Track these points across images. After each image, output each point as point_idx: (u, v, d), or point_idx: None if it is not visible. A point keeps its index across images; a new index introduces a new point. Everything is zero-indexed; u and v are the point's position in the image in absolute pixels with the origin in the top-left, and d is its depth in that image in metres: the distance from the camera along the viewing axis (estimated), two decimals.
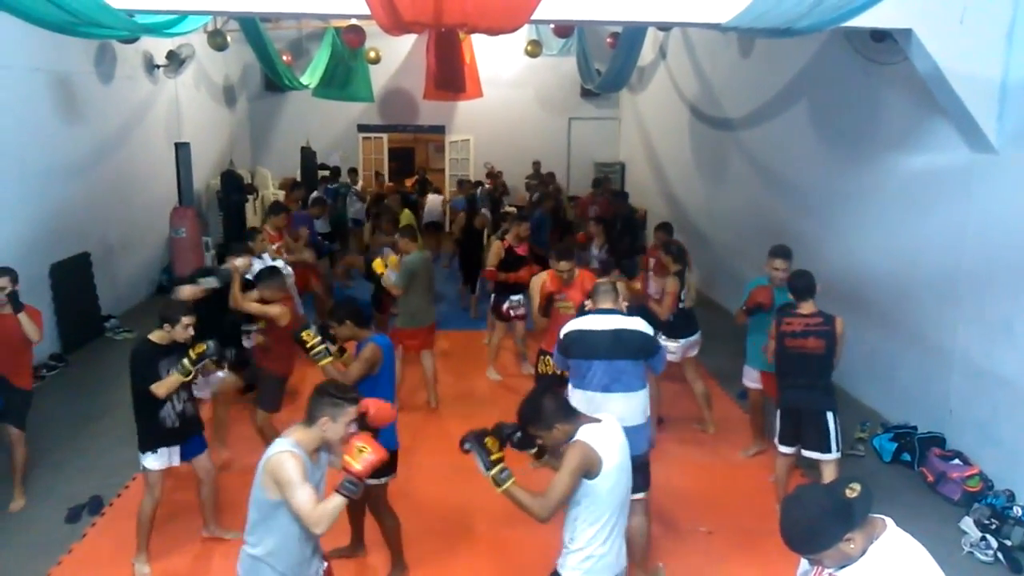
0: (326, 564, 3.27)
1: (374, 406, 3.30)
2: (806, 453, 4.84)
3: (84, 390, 7.34)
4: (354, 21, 12.24)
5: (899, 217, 6.52)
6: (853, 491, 2.18)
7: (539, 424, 3.04)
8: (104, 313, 9.19)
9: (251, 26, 11.11)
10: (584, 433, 3.00)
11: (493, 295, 7.85)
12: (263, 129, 16.38)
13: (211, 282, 5.58)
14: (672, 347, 6.06)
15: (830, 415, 4.74)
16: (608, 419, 3.20)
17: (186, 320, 4.35)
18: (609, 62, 12.51)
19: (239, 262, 5.88)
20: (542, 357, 5.78)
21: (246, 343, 6.10)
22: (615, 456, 3.01)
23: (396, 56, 15.84)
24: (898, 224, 6.53)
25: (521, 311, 7.57)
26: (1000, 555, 4.69)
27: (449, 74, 14.42)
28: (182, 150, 12.08)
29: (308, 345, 4.23)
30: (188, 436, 4.56)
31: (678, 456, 5.98)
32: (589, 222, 9.90)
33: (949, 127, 5.73)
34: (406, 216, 10.28)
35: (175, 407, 4.42)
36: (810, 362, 4.73)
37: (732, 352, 6.73)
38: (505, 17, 5.16)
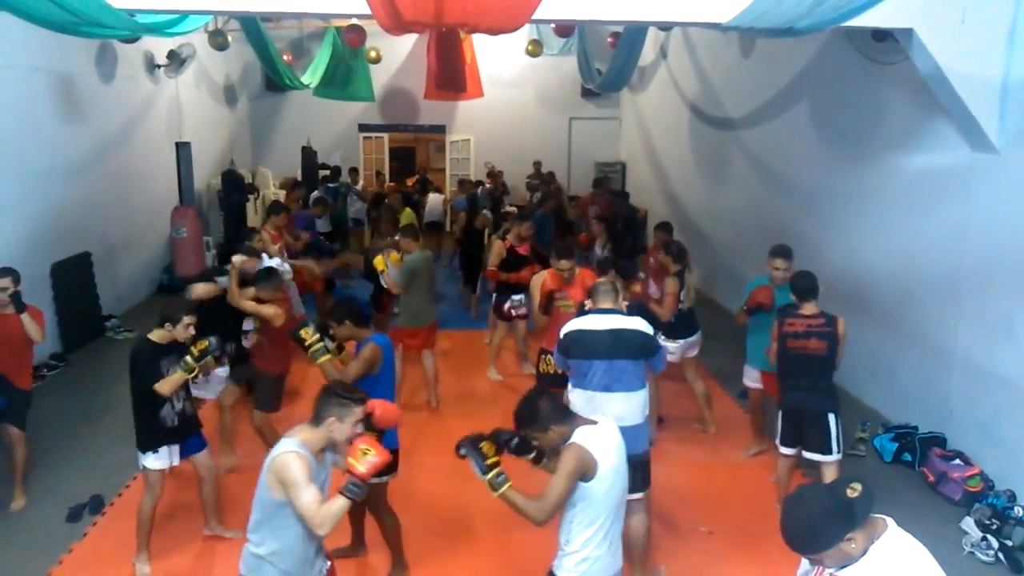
0: (329, 563, 3.27)
1: (380, 407, 3.30)
2: (807, 454, 4.83)
3: (85, 390, 7.34)
4: (355, 21, 12.23)
5: (900, 217, 6.51)
6: (854, 491, 2.18)
7: (535, 426, 3.04)
8: (105, 313, 9.19)
9: (252, 26, 11.11)
10: (580, 435, 2.99)
11: (495, 295, 7.85)
12: (264, 129, 16.39)
13: (226, 282, 5.64)
14: (671, 347, 6.06)
15: (832, 416, 4.73)
16: (604, 421, 3.20)
17: (187, 319, 4.36)
18: (610, 62, 12.51)
19: (237, 259, 5.91)
20: (543, 356, 5.78)
21: (245, 343, 6.11)
22: (611, 458, 3.01)
23: (397, 56, 15.84)
24: (899, 224, 6.52)
25: (523, 311, 7.57)
26: (1001, 555, 4.69)
27: (450, 74, 14.41)
28: (183, 150, 12.08)
29: (306, 343, 4.23)
30: (187, 434, 4.57)
31: (678, 456, 5.98)
32: (591, 221, 9.89)
33: (950, 127, 5.73)
34: (407, 215, 10.29)
35: (175, 406, 4.43)
36: (812, 363, 4.72)
37: (732, 352, 6.73)
38: (506, 17, 5.16)
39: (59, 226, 8.31)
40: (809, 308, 4.78)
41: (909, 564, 2.19)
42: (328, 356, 4.24)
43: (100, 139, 9.48)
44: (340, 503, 2.83)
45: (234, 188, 12.42)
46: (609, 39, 12.98)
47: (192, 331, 4.37)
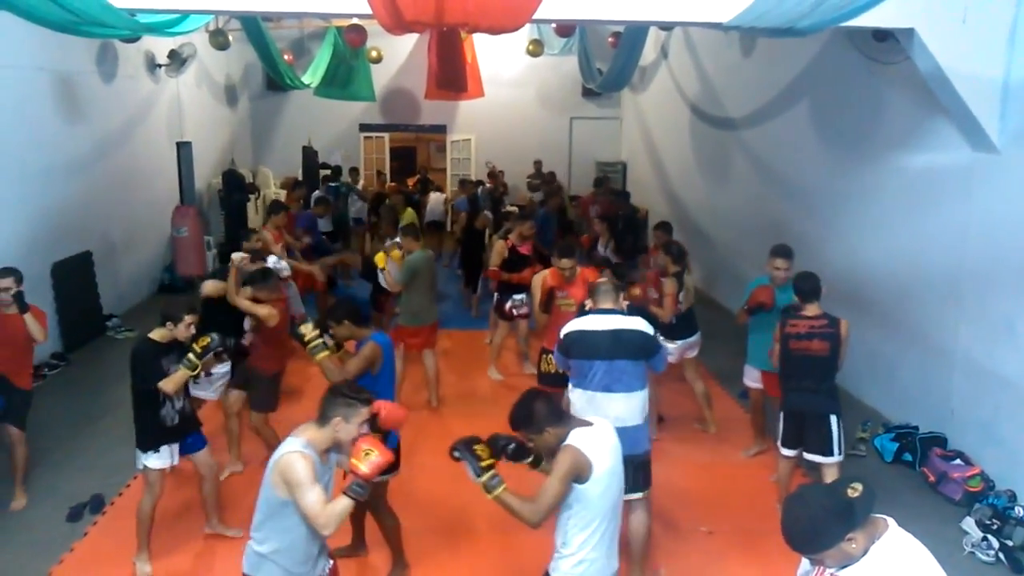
0: (331, 562, 3.28)
1: (386, 408, 3.30)
2: (808, 456, 4.82)
3: (86, 389, 7.35)
4: (356, 20, 12.23)
5: (901, 217, 6.51)
6: (855, 491, 2.18)
7: (530, 428, 3.04)
8: (106, 312, 9.20)
9: (253, 25, 11.12)
10: (575, 437, 2.99)
11: (496, 294, 7.85)
12: (265, 128, 16.39)
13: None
14: (670, 348, 6.05)
15: (834, 418, 4.72)
16: (600, 422, 3.19)
17: (189, 318, 4.37)
18: (611, 61, 12.50)
19: (237, 258, 5.92)
20: (544, 355, 5.78)
21: (244, 341, 6.12)
22: (607, 460, 3.00)
23: (398, 55, 15.84)
24: (900, 224, 6.52)
25: (524, 310, 7.57)
26: (1001, 555, 4.68)
27: (451, 73, 14.42)
28: (184, 149, 12.10)
29: (305, 339, 4.24)
30: (187, 433, 4.57)
31: (679, 456, 5.97)
32: (594, 221, 9.89)
33: (951, 127, 5.73)
34: (409, 215, 10.29)
35: (175, 404, 4.43)
36: (814, 365, 4.71)
37: (733, 352, 6.72)
38: (507, 16, 5.15)
39: (60, 225, 8.31)
40: (812, 309, 4.78)
41: (910, 564, 2.19)
42: (327, 352, 4.24)
43: (101, 139, 9.49)
44: (344, 503, 2.83)
45: (235, 188, 12.42)
46: (610, 39, 12.98)
47: (193, 330, 4.39)
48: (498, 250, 7.69)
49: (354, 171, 15.05)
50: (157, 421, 4.37)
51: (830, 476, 4.69)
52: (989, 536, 4.79)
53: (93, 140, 9.27)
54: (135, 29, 6.13)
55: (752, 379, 5.88)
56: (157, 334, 4.38)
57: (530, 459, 3.15)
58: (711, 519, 5.10)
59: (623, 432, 3.93)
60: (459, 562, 4.67)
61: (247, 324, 5.69)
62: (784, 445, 4.93)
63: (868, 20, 5.07)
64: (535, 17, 5.12)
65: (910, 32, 5.17)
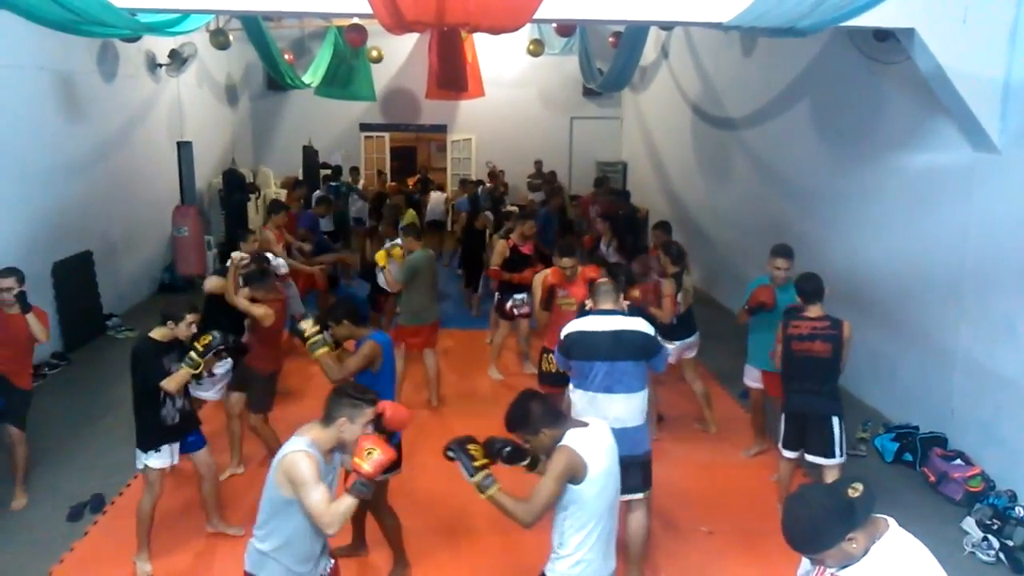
0: (333, 562, 3.28)
1: (391, 408, 3.31)
2: (810, 458, 4.81)
3: (86, 388, 7.35)
4: (356, 20, 12.23)
5: (901, 217, 6.51)
6: (855, 491, 2.18)
7: (526, 429, 3.03)
8: (106, 311, 9.20)
9: (253, 25, 11.12)
10: (570, 438, 2.98)
11: (497, 294, 7.85)
12: (265, 128, 16.40)
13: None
14: (668, 349, 6.04)
15: (836, 420, 4.71)
16: (596, 423, 3.19)
17: (190, 317, 4.38)
18: (611, 61, 12.50)
19: (237, 256, 5.93)
20: (545, 355, 5.78)
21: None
22: (602, 461, 2.99)
23: (398, 55, 15.85)
24: (900, 223, 6.52)
25: (525, 309, 7.57)
26: (1002, 555, 4.68)
27: (451, 73, 14.42)
28: (184, 149, 12.10)
29: (306, 335, 4.24)
30: (187, 432, 4.57)
31: (679, 456, 5.97)
32: (596, 220, 9.88)
33: (952, 126, 5.72)
34: (410, 216, 10.30)
35: (176, 403, 4.44)
36: (816, 366, 4.70)
37: (733, 352, 6.72)
38: (507, 16, 5.16)
39: (60, 225, 8.31)
40: (814, 310, 4.77)
41: (910, 564, 2.19)
42: (326, 349, 4.25)
43: (101, 138, 9.49)
44: (348, 502, 2.84)
45: (235, 187, 12.43)
46: (610, 39, 12.98)
47: (194, 329, 4.40)
48: (499, 249, 7.69)
49: (354, 170, 15.06)
50: (158, 420, 4.37)
51: (831, 477, 4.68)
52: (989, 536, 4.78)
53: (93, 140, 9.27)
54: (136, 28, 6.13)
55: (752, 379, 5.88)
56: (158, 333, 4.38)
57: (526, 462, 3.15)
58: (711, 519, 5.10)
59: (624, 433, 3.94)
60: (459, 562, 4.67)
61: (248, 323, 5.69)
62: (785, 447, 4.93)
63: (869, 20, 5.07)
64: (536, 17, 5.12)
65: (911, 32, 5.17)
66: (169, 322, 4.36)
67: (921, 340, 6.25)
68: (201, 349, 4.29)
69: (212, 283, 5.85)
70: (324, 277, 8.49)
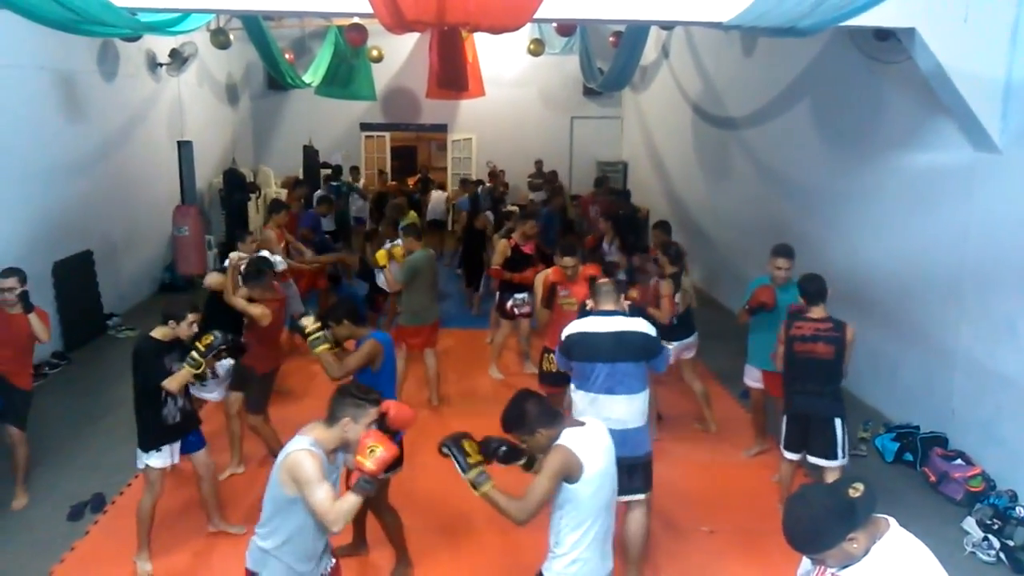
0: (334, 561, 3.28)
1: (395, 408, 3.31)
2: (812, 459, 4.80)
3: (87, 388, 7.35)
4: (357, 20, 12.24)
5: (902, 216, 6.51)
6: (856, 491, 2.18)
7: (522, 429, 3.03)
8: (107, 311, 9.20)
9: (254, 24, 11.12)
10: (566, 437, 2.98)
11: (498, 293, 7.85)
12: (266, 127, 16.40)
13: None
14: (669, 349, 6.03)
15: (838, 422, 4.70)
16: (593, 422, 3.19)
17: (191, 317, 4.38)
18: (612, 61, 12.50)
19: (235, 256, 5.93)
20: (546, 354, 5.78)
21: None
22: (598, 461, 2.99)
23: (398, 55, 15.85)
24: (901, 223, 6.52)
25: (526, 309, 7.57)
26: (1002, 555, 4.68)
27: (452, 73, 14.42)
28: (185, 148, 12.10)
29: (306, 331, 4.24)
30: (188, 431, 4.58)
31: (680, 456, 5.97)
32: (599, 220, 9.88)
33: (952, 126, 5.72)
34: (411, 216, 10.29)
35: (177, 403, 4.44)
36: (819, 368, 4.69)
37: (734, 352, 6.72)
38: (508, 16, 5.15)
39: (61, 224, 8.31)
40: (817, 312, 4.76)
41: (911, 564, 2.19)
42: (326, 346, 4.25)
43: (102, 138, 9.49)
44: (353, 500, 2.84)
45: (236, 187, 12.43)
46: (611, 38, 12.97)
47: (196, 328, 4.40)
48: (501, 249, 7.69)
49: (354, 170, 15.07)
50: (159, 420, 4.37)
51: (832, 478, 4.67)
52: (990, 536, 4.78)
53: (94, 139, 9.27)
54: (136, 28, 6.14)
55: (753, 379, 5.88)
56: (159, 332, 4.39)
57: (523, 461, 3.15)
58: (712, 519, 5.10)
59: (625, 434, 3.94)
60: (459, 562, 4.67)
61: (246, 322, 5.70)
62: (788, 449, 4.91)
63: (869, 19, 5.07)
64: (536, 16, 5.12)
65: (911, 31, 5.17)
66: (171, 321, 4.36)
67: (922, 340, 6.25)
68: (203, 349, 4.29)
69: (213, 279, 5.88)
70: (324, 276, 8.49)
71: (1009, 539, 4.73)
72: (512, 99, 16.27)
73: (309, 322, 4.26)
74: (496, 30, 5.49)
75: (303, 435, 2.97)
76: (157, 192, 11.14)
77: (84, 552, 4.72)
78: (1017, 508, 4.95)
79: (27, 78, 7.87)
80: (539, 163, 15.38)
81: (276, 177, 15.08)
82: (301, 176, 14.10)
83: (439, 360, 7.14)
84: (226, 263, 6.00)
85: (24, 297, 5.07)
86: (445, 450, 3.02)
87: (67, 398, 7.07)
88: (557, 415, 3.11)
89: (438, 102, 15.65)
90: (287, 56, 13.88)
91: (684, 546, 4.83)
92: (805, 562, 2.41)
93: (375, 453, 2.83)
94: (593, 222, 11.07)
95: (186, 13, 6.69)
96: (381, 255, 6.84)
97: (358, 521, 4.57)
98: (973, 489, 5.28)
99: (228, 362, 5.48)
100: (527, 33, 13.94)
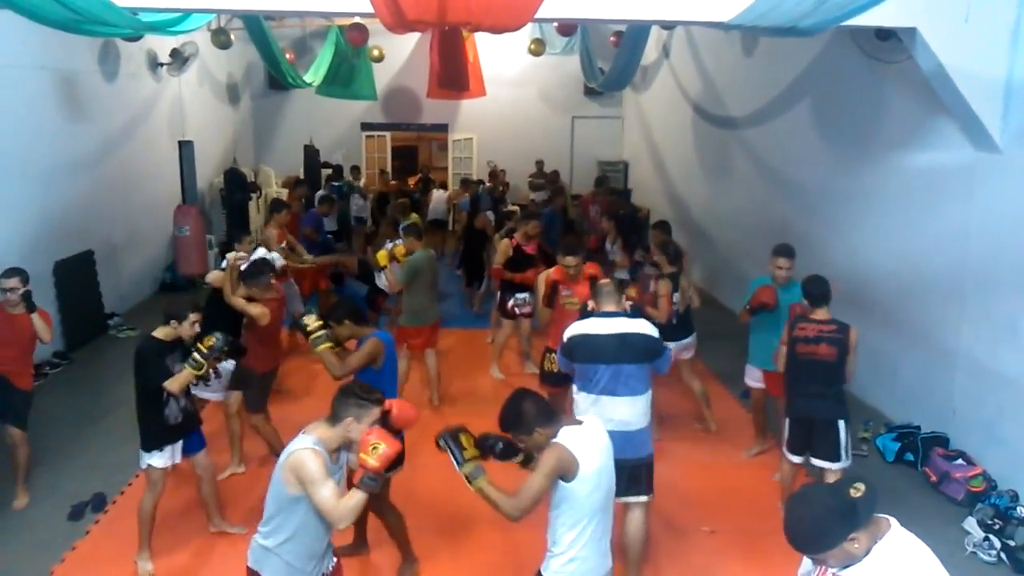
0: (336, 560, 3.29)
1: (398, 406, 3.31)
2: (815, 462, 4.78)
3: (87, 388, 7.36)
4: (358, 19, 12.24)
5: (903, 216, 6.50)
6: (857, 491, 2.18)
7: (520, 429, 3.03)
8: (108, 311, 9.20)
9: (255, 24, 11.12)
10: (563, 436, 2.98)
11: (499, 293, 7.85)
12: (266, 127, 16.41)
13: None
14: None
15: (842, 423, 4.68)
16: (591, 421, 3.18)
17: (193, 317, 4.38)
18: (612, 60, 12.50)
19: (233, 256, 5.94)
20: (548, 354, 5.77)
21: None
22: (595, 459, 2.98)
23: (399, 54, 15.85)
24: (902, 223, 6.51)
25: (527, 309, 7.57)
26: (1003, 555, 4.68)
27: (452, 72, 14.42)
28: (186, 148, 12.10)
29: (308, 329, 4.24)
30: (189, 431, 4.58)
31: (680, 455, 5.97)
32: (601, 220, 9.87)
33: (953, 126, 5.72)
34: (413, 217, 10.28)
35: (179, 403, 4.44)
36: (821, 369, 4.67)
37: (734, 352, 6.72)
38: (509, 15, 5.15)
39: (62, 224, 8.32)
40: (821, 313, 4.75)
41: (912, 564, 2.19)
42: (328, 344, 4.25)
43: (103, 138, 9.49)
44: (358, 497, 2.85)
45: (237, 187, 12.44)
46: (612, 38, 12.97)
47: (197, 328, 4.40)
48: (502, 249, 7.69)
49: (355, 169, 15.06)
50: (161, 420, 4.37)
51: (833, 479, 4.66)
52: (991, 536, 4.78)
53: (95, 139, 9.28)
54: (137, 28, 6.14)
55: (754, 379, 5.87)
56: (161, 332, 4.39)
57: (520, 457, 3.14)
58: (712, 519, 5.10)
59: (628, 436, 3.94)
60: (460, 561, 4.68)
61: (245, 321, 5.70)
62: (791, 451, 4.89)
63: (870, 19, 5.06)
64: (537, 16, 5.12)
65: (912, 31, 5.17)
66: (172, 321, 4.36)
67: (922, 340, 6.24)
68: (205, 351, 4.29)
69: (215, 275, 5.88)
70: (325, 277, 8.48)
71: (1010, 539, 4.73)
72: (513, 99, 16.27)
73: (311, 321, 4.27)
74: (497, 30, 5.49)
75: (306, 434, 2.97)
76: (158, 192, 11.15)
77: (85, 552, 4.72)
78: (1018, 508, 4.94)
79: (28, 78, 7.87)
80: (540, 163, 15.38)
81: (277, 177, 15.09)
82: (302, 176, 14.09)
83: (440, 360, 7.14)
84: (223, 264, 6.00)
85: (27, 297, 5.08)
86: (442, 443, 3.03)
87: (68, 398, 7.07)
88: (554, 414, 3.11)
89: (439, 102, 15.65)
90: (288, 56, 13.88)
91: (684, 546, 4.83)
92: (806, 562, 2.41)
93: (378, 450, 2.83)
94: (593, 222, 11.07)
95: (187, 13, 6.69)
96: (382, 255, 6.84)
97: (359, 521, 4.56)
98: (974, 489, 5.28)
99: (230, 363, 5.49)
100: (528, 33, 13.94)
